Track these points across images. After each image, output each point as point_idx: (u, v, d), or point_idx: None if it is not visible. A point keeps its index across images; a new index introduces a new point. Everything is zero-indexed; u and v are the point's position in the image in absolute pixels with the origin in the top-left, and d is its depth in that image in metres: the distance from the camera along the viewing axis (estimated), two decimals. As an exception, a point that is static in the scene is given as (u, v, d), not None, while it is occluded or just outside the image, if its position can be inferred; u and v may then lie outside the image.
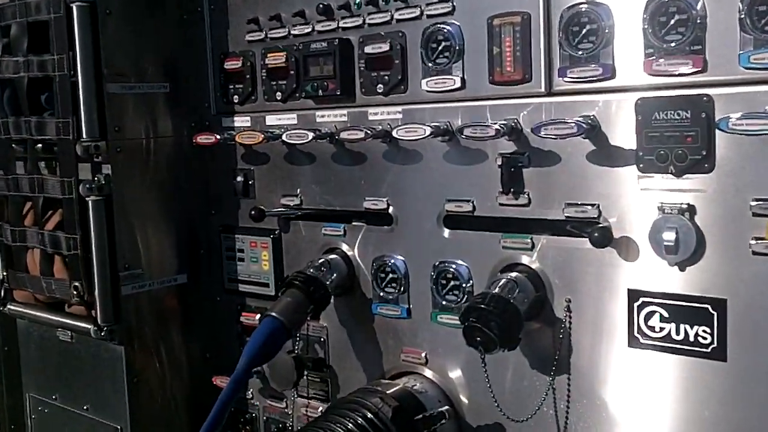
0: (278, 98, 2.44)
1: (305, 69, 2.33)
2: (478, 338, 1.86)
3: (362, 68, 2.23)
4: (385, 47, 2.15)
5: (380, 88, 2.19)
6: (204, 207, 2.72)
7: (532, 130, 1.84)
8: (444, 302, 2.14)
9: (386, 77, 2.17)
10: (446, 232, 2.13)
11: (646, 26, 1.74)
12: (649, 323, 1.80)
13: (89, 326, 2.52)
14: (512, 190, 1.95)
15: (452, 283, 2.12)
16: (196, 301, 2.75)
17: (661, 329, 1.79)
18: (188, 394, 2.75)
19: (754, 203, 1.65)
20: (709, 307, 1.72)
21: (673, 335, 1.77)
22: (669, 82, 1.73)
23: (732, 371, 1.72)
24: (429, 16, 2.09)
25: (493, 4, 1.96)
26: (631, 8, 1.77)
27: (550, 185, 1.91)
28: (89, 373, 2.73)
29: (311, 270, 2.30)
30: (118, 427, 2.65)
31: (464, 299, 2.09)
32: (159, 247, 2.62)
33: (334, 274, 2.32)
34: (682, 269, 1.75)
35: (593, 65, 1.81)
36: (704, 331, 1.73)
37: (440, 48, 2.07)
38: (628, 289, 1.81)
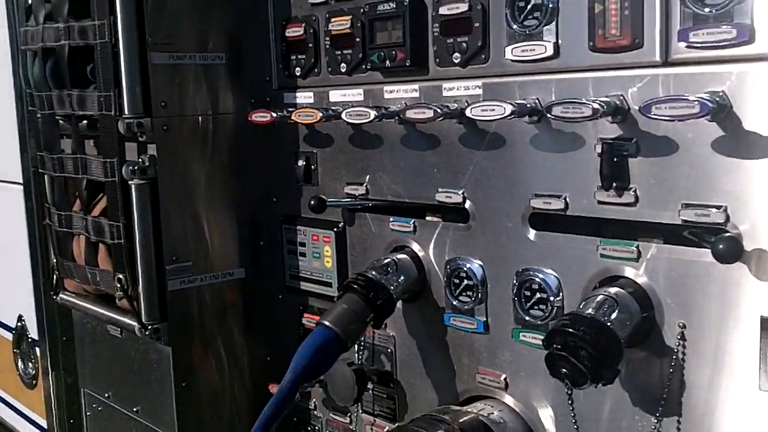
0: (343, 71, 2.26)
1: (371, 36, 2.13)
2: (564, 369, 1.64)
3: (436, 34, 2.02)
4: (464, 7, 1.94)
5: (457, 57, 1.98)
6: (264, 194, 2.57)
7: (642, 110, 1.60)
8: (527, 318, 1.94)
9: (464, 44, 1.96)
10: (532, 234, 1.93)
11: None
12: (789, 362, 1.56)
13: (134, 323, 2.37)
14: (615, 185, 1.73)
15: (538, 295, 1.92)
16: (255, 299, 2.58)
17: (805, 371, 1.55)
18: (247, 402, 2.58)
19: None
20: None
21: (820, 379, 1.54)
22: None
23: None
24: (516, -31, 1.87)
25: (595, -50, 1.72)
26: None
27: (664, 180, 1.68)
28: (139, 373, 2.61)
29: (374, 272, 2.10)
30: None
31: (552, 315, 1.89)
32: (213, 238, 2.45)
33: (401, 277, 2.13)
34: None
35: (724, 26, 1.55)
36: None
37: (529, 7, 1.85)
38: (762, 317, 1.56)
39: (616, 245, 1.75)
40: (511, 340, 1.97)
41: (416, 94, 2.08)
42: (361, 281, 2.05)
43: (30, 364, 3.24)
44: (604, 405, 1.82)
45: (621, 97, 1.69)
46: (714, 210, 1.58)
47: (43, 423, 3.10)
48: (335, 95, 2.29)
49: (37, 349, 3.11)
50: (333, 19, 2.23)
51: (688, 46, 1.59)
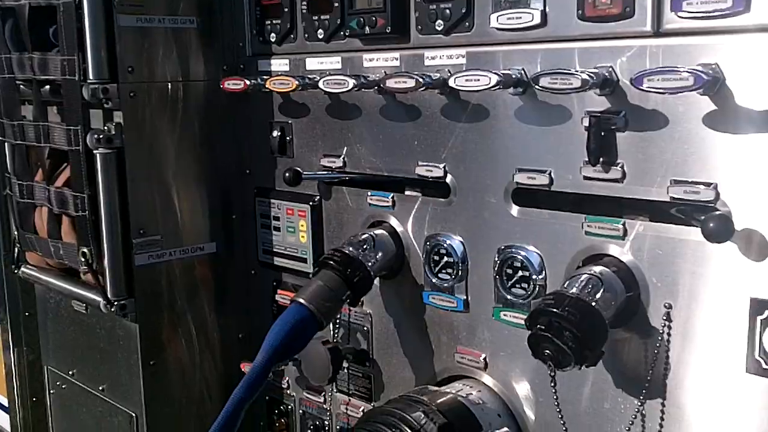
0: (320, 37, 2.20)
1: (350, 0, 2.07)
2: (548, 351, 1.62)
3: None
4: (447, -31, 1.89)
5: (440, 24, 1.93)
6: (237, 165, 2.51)
7: (632, 82, 1.56)
8: (509, 296, 1.91)
9: (447, 11, 1.91)
10: (515, 210, 1.89)
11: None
12: (777, 344, 1.55)
13: (99, 299, 2.29)
14: (602, 160, 1.69)
15: (520, 273, 1.89)
16: (227, 275, 2.51)
17: (794, 353, 1.54)
18: (218, 381, 2.53)
19: None
20: None
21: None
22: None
23: None
24: (500, -72, 1.82)
25: None
26: None
27: (653, 156, 1.64)
28: (105, 350, 2.53)
29: (351, 248, 2.05)
30: (133, 414, 2.44)
31: (534, 294, 1.86)
32: (182, 210, 2.38)
33: (379, 254, 2.09)
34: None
35: (719, -6, 1.51)
36: None
37: (515, -29, 1.80)
38: (751, 298, 1.54)
39: (601, 222, 1.72)
40: (492, 319, 1.94)
41: (397, 63, 2.04)
42: (338, 257, 2.00)
43: (-10, 339, 3.14)
44: (586, 387, 1.79)
45: (610, 69, 1.65)
46: (704, 187, 1.56)
47: (4, 401, 3.01)
48: (312, 63, 2.23)
49: (-2, 325, 3.02)
50: (309, -19, 2.16)
51: (680, 15, 1.54)
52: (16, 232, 2.60)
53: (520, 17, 1.78)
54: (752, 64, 1.47)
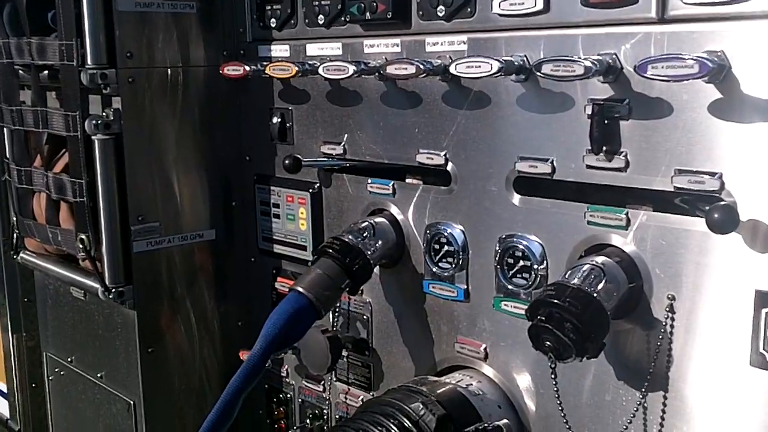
0: (320, 23, 2.18)
1: None
2: (548, 342, 1.61)
3: (419, -16, 1.95)
4: (448, -47, 1.87)
5: (441, 10, 1.91)
6: (237, 152, 2.50)
7: (636, 69, 1.54)
8: (510, 286, 1.90)
9: None
10: (516, 199, 1.88)
11: None
12: (783, 338, 1.53)
13: (97, 286, 2.28)
14: (605, 148, 1.68)
15: (521, 263, 1.87)
16: (226, 262, 2.50)
17: (799, 347, 1.52)
18: (216, 369, 2.51)
19: None
20: None
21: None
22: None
23: None
24: None
25: None
26: None
27: (657, 144, 1.62)
28: (103, 337, 2.52)
29: (350, 236, 2.04)
30: (131, 402, 2.43)
31: (536, 284, 1.85)
32: (182, 197, 2.36)
33: (379, 242, 2.07)
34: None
35: (727, -21, 1.49)
36: None
37: (518, -44, 1.78)
38: (756, 291, 1.52)
39: (604, 212, 1.71)
40: (493, 309, 1.92)
41: (398, 49, 2.02)
42: (337, 245, 1.99)
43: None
44: (587, 379, 1.78)
45: (613, 56, 1.63)
46: (708, 177, 1.54)
47: (3, 387, 3.01)
48: (312, 48, 2.21)
49: (-2, 310, 3.02)
50: (310, -35, 2.14)
51: (686, 1, 1.52)
52: (15, 218, 2.59)
53: (523, 3, 1.76)
54: (759, 51, 1.45)
